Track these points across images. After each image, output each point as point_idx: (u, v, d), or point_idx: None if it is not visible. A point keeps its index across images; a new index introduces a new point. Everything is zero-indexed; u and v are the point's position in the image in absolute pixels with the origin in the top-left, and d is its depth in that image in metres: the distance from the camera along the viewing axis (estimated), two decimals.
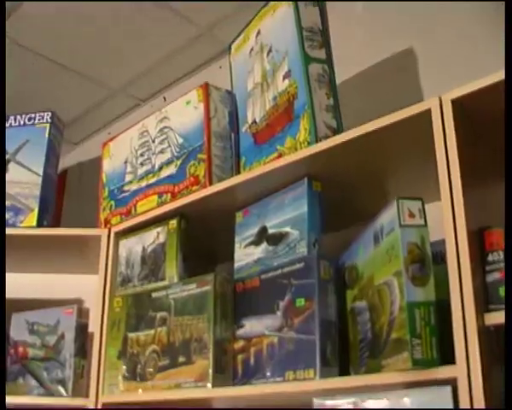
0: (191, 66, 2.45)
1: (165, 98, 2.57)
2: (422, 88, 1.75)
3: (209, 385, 1.45)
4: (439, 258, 1.33)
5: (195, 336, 1.52)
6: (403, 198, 1.21)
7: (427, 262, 1.17)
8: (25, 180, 2.04)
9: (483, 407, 1.07)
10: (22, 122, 2.11)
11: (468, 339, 1.10)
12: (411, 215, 1.19)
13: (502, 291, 1.18)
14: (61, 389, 1.85)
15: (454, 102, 1.22)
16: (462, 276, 1.13)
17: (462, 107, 1.23)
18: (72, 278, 2.32)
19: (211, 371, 1.46)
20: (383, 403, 1.22)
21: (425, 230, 1.19)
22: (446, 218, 1.18)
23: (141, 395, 1.63)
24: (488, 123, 1.26)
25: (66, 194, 2.80)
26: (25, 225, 1.98)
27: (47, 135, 2.08)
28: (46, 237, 1.97)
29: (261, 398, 1.48)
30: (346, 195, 1.56)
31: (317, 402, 1.32)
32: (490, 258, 1.21)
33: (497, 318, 1.13)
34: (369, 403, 1.24)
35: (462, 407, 1.09)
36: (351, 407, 1.26)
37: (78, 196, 2.71)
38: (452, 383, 1.11)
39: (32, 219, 1.99)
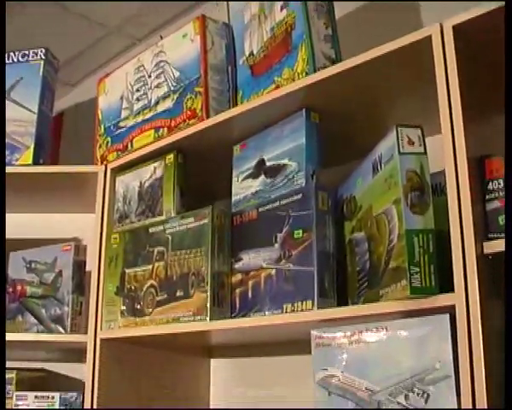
0: (188, 3, 2.40)
1: (161, 37, 2.52)
2: (423, 21, 1.71)
3: (207, 318, 1.45)
4: (439, 190, 1.32)
5: (193, 270, 1.52)
6: (402, 125, 1.19)
7: (427, 190, 1.15)
8: (20, 118, 2.01)
9: (480, 336, 1.06)
10: (16, 59, 2.07)
11: (466, 267, 1.09)
12: (410, 143, 1.17)
13: (501, 220, 1.17)
14: (60, 326, 1.85)
15: (455, 29, 1.19)
16: (462, 204, 1.12)
17: (463, 34, 1.20)
18: (69, 217, 2.31)
19: (209, 304, 1.45)
20: (381, 333, 1.22)
21: (424, 158, 1.17)
22: (446, 144, 1.16)
23: (139, 330, 1.63)
24: (489, 51, 1.23)
25: (63, 136, 2.77)
26: (21, 162, 1.96)
27: (41, 72, 2.04)
28: (42, 174, 1.94)
29: (259, 330, 1.48)
30: (344, 128, 1.54)
31: (314, 334, 1.32)
32: (490, 186, 1.20)
33: (496, 246, 1.12)
34: (368, 333, 1.24)
35: (459, 336, 1.08)
36: (349, 337, 1.26)
37: (75, 137, 2.68)
38: (450, 311, 1.11)
39: (28, 156, 1.96)
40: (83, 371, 1.78)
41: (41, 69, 2.04)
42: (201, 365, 2.04)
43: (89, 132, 2.07)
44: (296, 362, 1.76)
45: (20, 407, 1.84)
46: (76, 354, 1.92)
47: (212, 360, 2.06)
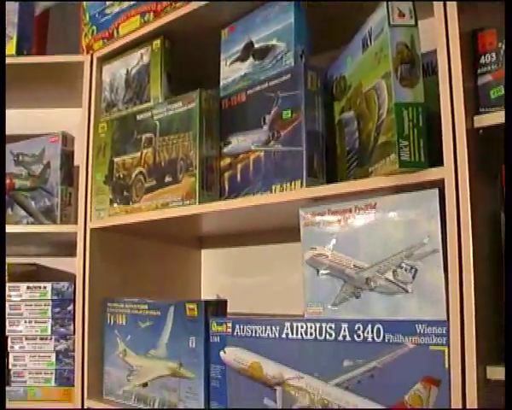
0: None
1: None
2: None
3: (196, 202, 1.45)
4: (431, 70, 1.30)
5: (181, 155, 1.50)
6: None
7: (417, 63, 1.13)
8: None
9: (469, 211, 1.06)
10: None
11: (456, 141, 1.09)
12: (401, 15, 1.14)
13: (492, 94, 1.15)
14: (49, 218, 1.85)
15: None
16: (453, 77, 1.11)
17: None
18: (57, 113, 2.27)
19: (197, 188, 1.45)
20: (370, 210, 1.22)
21: (415, 30, 1.14)
22: (438, 19, 1.13)
23: (128, 217, 1.63)
24: None
25: (50, 33, 2.70)
26: None
27: None
28: (26, 66, 1.90)
29: (248, 214, 1.48)
30: (334, 10, 1.50)
31: (303, 213, 1.32)
32: (482, 60, 1.17)
33: (486, 120, 1.11)
34: (357, 211, 1.24)
35: (448, 210, 1.08)
36: (337, 215, 1.26)
37: (63, 34, 2.61)
38: (439, 186, 1.11)
39: (11, 47, 1.91)
40: (74, 265, 1.79)
41: None
42: (192, 255, 2.06)
43: (77, 27, 2.01)
44: (286, 250, 1.77)
45: (12, 299, 1.85)
46: (66, 247, 1.93)
47: (203, 251, 2.07)
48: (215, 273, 2.02)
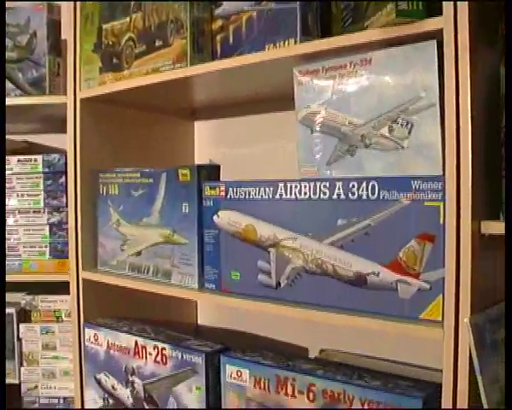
0: None
1: None
2: None
3: (187, 65, 1.41)
4: None
5: (172, 18, 1.45)
6: None
7: None
8: None
9: (468, 64, 1.02)
10: None
11: None
12: None
13: None
14: (38, 89, 1.81)
15: None
16: None
17: None
18: None
19: (189, 50, 1.41)
20: (366, 66, 1.18)
21: None
22: None
23: (118, 84, 1.59)
24: None
25: None
26: None
27: None
28: None
29: (240, 75, 1.44)
30: None
31: (297, 72, 1.29)
32: None
33: None
34: (352, 66, 1.20)
35: (447, 62, 1.05)
36: (332, 72, 1.23)
37: None
38: (438, 37, 1.07)
39: None
40: (65, 141, 1.76)
41: None
42: (185, 127, 2.03)
43: None
44: (281, 119, 1.75)
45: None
46: (57, 122, 1.88)
47: (196, 123, 2.04)
48: (208, 146, 2.00)
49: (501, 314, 1.06)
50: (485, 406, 1.01)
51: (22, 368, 1.89)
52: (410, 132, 1.12)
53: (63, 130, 1.76)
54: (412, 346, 1.45)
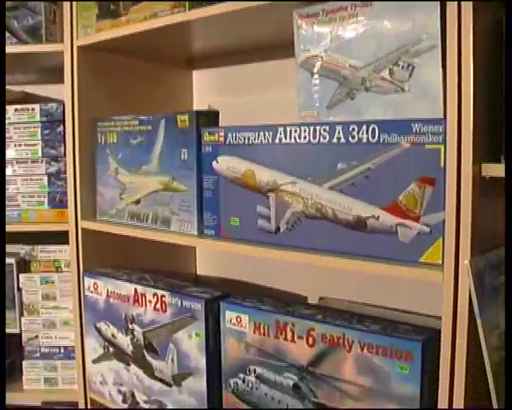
0: None
1: None
2: None
3: (186, 10, 1.39)
4: None
5: None
6: None
7: None
8: None
9: (471, 10, 1.00)
10: None
11: None
12: None
13: None
14: (34, 37, 1.78)
15: None
16: None
17: None
18: None
19: None
20: (367, 7, 1.17)
21: None
22: None
23: (116, 31, 1.57)
24: None
25: None
26: None
27: None
28: None
29: (239, 21, 1.41)
30: None
31: (296, 15, 1.27)
32: None
33: None
34: (352, 8, 1.19)
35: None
36: (333, 14, 1.21)
37: None
38: None
39: None
40: (63, 92, 1.74)
41: None
42: (184, 77, 2.01)
43: None
44: (280, 67, 1.72)
45: None
46: (54, 73, 1.86)
47: (195, 72, 2.02)
48: (207, 95, 1.98)
49: (501, 260, 1.06)
50: (484, 350, 1.01)
51: (23, 318, 1.90)
52: (410, 75, 1.11)
53: (61, 80, 1.74)
54: (412, 294, 1.46)
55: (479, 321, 1.01)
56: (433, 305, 1.16)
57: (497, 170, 1.03)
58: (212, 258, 2.03)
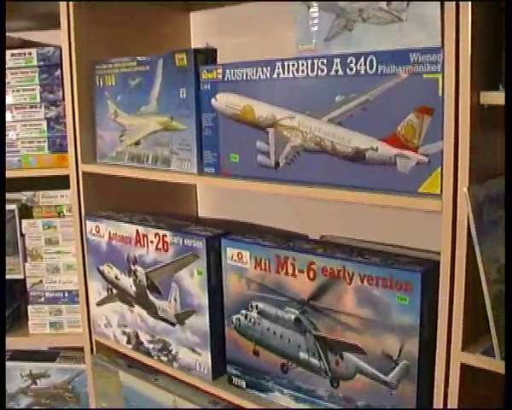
0: None
1: None
2: None
3: None
4: None
5: None
6: None
7: None
8: None
9: None
10: None
11: None
12: None
13: None
14: None
15: None
16: None
17: None
18: None
19: None
20: None
21: None
22: None
23: None
24: None
25: None
26: None
27: None
28: None
29: None
30: None
31: None
32: None
33: None
34: None
35: None
36: None
37: None
38: None
39: None
40: (59, 39, 1.73)
41: None
42: (181, 18, 1.99)
43: None
44: (278, 5, 1.70)
45: None
46: (50, 18, 1.84)
47: (192, 14, 2.00)
48: (205, 37, 1.93)
49: (500, 193, 1.06)
50: (484, 281, 1.02)
51: (26, 264, 1.91)
52: (408, 4, 1.10)
53: (57, 26, 1.72)
54: (413, 230, 1.46)
55: (477, 249, 1.02)
56: (434, 242, 1.17)
57: (495, 98, 1.03)
58: (213, 198, 2.03)
